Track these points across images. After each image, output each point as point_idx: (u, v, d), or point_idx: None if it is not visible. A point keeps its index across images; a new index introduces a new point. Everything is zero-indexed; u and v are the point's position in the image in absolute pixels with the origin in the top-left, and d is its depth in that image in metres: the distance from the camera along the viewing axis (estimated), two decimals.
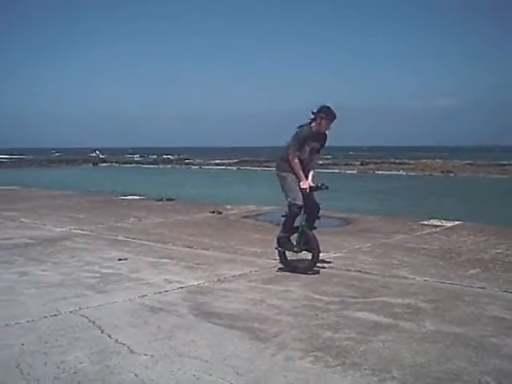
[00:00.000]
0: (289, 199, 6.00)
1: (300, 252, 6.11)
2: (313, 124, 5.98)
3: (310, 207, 6.09)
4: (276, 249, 6.23)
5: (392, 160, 56.44)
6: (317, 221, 6.21)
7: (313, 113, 5.99)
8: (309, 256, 6.05)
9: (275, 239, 6.21)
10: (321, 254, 6.06)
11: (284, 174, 6.07)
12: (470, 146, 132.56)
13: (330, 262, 6.41)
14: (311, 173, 6.16)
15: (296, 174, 5.99)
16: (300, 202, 5.93)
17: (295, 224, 6.13)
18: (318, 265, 6.23)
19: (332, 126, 6.05)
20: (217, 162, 62.44)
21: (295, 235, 6.14)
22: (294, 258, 6.17)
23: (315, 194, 6.20)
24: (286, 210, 6.08)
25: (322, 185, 6.11)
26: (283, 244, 6.12)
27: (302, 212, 6.04)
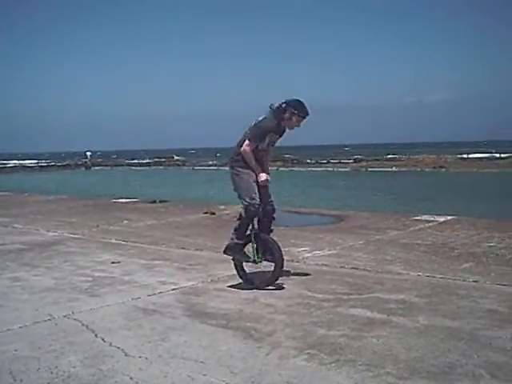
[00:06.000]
0: (246, 198, 5.23)
1: (260, 262, 5.41)
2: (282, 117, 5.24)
3: (264, 206, 5.35)
4: (232, 259, 5.47)
5: (384, 156, 56.70)
6: (276, 218, 5.54)
7: (279, 105, 5.23)
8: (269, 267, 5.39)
9: (224, 247, 5.50)
10: (315, 252, 6.01)
11: (237, 169, 5.33)
12: (461, 142, 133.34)
13: (323, 259, 6.41)
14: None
15: (251, 167, 5.28)
16: (258, 201, 5.23)
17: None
18: (311, 263, 6.23)
19: (302, 124, 5.34)
20: (209, 162, 62.32)
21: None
22: (249, 270, 5.55)
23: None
24: (241, 211, 5.34)
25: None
26: (236, 254, 5.40)
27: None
